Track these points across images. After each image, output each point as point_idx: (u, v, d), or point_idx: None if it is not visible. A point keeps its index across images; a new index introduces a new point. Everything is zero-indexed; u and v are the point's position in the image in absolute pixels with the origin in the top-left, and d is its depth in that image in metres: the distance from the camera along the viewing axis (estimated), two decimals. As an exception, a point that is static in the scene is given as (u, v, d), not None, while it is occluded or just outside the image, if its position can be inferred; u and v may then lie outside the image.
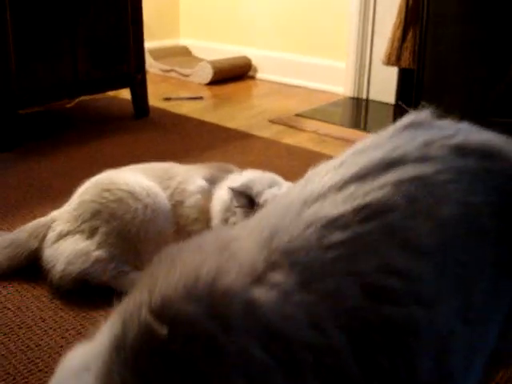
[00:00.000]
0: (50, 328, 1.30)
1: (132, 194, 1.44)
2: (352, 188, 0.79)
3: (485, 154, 0.86)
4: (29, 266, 1.48)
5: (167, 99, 3.26)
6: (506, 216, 0.81)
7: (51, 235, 1.47)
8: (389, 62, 2.97)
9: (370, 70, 3.26)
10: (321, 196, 0.80)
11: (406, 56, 2.91)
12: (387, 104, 3.22)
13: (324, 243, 0.73)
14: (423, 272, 0.73)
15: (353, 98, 3.34)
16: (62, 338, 1.27)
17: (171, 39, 4.23)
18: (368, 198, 0.77)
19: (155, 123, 2.80)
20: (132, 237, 1.42)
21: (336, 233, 0.74)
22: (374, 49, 3.21)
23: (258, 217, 0.85)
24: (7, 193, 1.98)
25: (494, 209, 0.80)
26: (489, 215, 0.80)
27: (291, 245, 0.73)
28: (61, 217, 1.50)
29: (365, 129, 2.86)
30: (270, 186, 1.45)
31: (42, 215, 1.79)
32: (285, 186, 1.47)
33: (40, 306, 1.38)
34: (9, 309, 1.36)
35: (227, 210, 1.43)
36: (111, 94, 3.24)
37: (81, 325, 1.31)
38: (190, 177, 1.54)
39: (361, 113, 3.23)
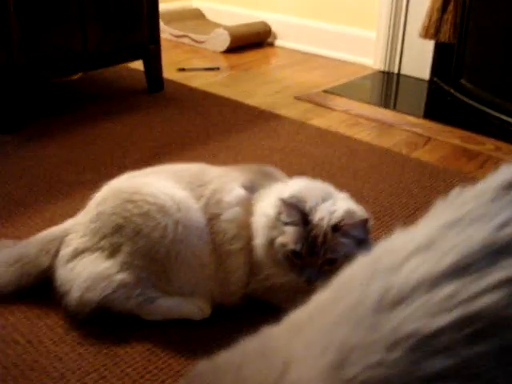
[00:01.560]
0: (68, 370, 1.10)
1: (160, 207, 1.22)
2: (451, 287, 0.57)
3: None
4: (39, 286, 1.28)
5: (181, 70, 3.00)
6: None
7: (65, 252, 1.26)
8: (426, 34, 2.71)
9: (403, 42, 2.99)
10: (405, 296, 0.58)
11: (446, 29, 2.64)
12: (421, 80, 2.96)
13: (420, 374, 0.52)
14: None
15: (383, 72, 3.08)
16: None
17: (183, 0, 3.93)
18: (476, 305, 0.55)
19: (170, 99, 2.55)
20: (161, 258, 1.20)
21: (436, 358, 0.53)
22: (408, 18, 2.93)
23: (315, 316, 0.64)
24: (10, 186, 1.76)
25: None
26: None
27: (369, 377, 0.52)
28: (76, 229, 1.29)
29: (396, 108, 2.62)
30: (324, 200, 1.23)
31: (52, 216, 1.59)
32: (339, 198, 1.25)
33: (55, 339, 1.18)
34: (18, 342, 1.16)
35: (273, 227, 1.21)
36: (119, 65, 2.98)
37: (103, 365, 1.11)
38: (226, 184, 1.31)
39: (393, 89, 2.98)
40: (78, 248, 1.25)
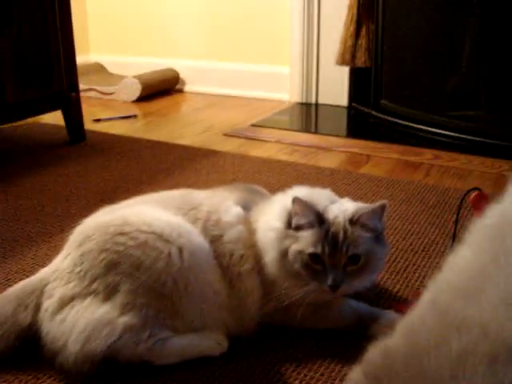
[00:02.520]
0: None
1: (159, 235, 1.08)
2: None
3: None
4: (22, 349, 1.08)
5: (97, 120, 2.85)
6: None
7: (49, 303, 1.08)
8: (343, 61, 2.78)
9: (318, 72, 3.04)
10: None
11: (361, 54, 2.73)
12: (339, 107, 3.02)
13: None
14: None
15: (301, 104, 3.11)
16: None
17: (81, 56, 3.78)
18: None
19: (97, 148, 2.39)
20: (168, 291, 1.06)
21: None
22: (320, 49, 3.00)
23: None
24: None
25: None
26: None
27: None
28: (57, 276, 1.11)
29: (325, 133, 2.62)
30: (332, 202, 1.16)
31: (7, 274, 1.39)
32: (345, 201, 1.18)
33: (56, 405, 0.98)
34: (12, 418, 0.96)
35: (283, 237, 1.11)
36: (29, 120, 2.77)
37: (125, 424, 0.94)
38: (220, 204, 1.20)
39: (316, 118, 3.01)
40: (65, 296, 1.07)
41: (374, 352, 0.61)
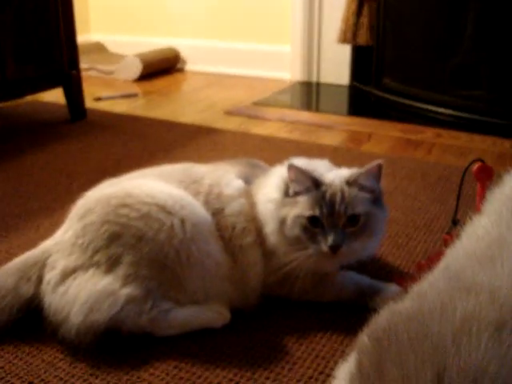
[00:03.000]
0: (88, 405, 0.92)
1: (162, 207, 1.08)
2: None
3: None
4: (23, 320, 1.08)
5: (98, 99, 2.84)
6: None
7: (51, 275, 1.08)
8: (344, 39, 2.76)
9: (320, 51, 3.02)
10: None
11: (363, 32, 2.71)
12: (341, 86, 3.00)
13: None
14: None
15: (303, 83, 3.09)
16: (113, 417, 0.90)
17: (81, 35, 3.75)
18: None
19: (98, 125, 2.39)
20: (171, 263, 1.06)
21: None
22: (322, 28, 2.98)
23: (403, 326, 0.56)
24: None
25: None
26: None
27: None
28: (59, 248, 1.11)
29: (326, 111, 2.61)
30: (329, 170, 1.16)
31: (9, 248, 1.39)
32: (342, 169, 1.18)
33: (60, 375, 0.99)
34: (17, 387, 0.96)
35: (281, 206, 1.11)
36: (29, 97, 2.77)
37: (128, 393, 0.95)
38: (222, 177, 1.20)
39: (317, 96, 2.99)
40: (67, 268, 1.07)
41: (381, 315, 0.61)
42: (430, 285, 0.63)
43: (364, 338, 0.59)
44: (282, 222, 1.11)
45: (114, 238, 1.06)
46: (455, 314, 0.55)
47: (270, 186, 1.17)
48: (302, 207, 1.09)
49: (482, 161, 1.15)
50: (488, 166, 1.14)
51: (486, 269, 0.60)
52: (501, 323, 0.53)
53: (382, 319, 0.60)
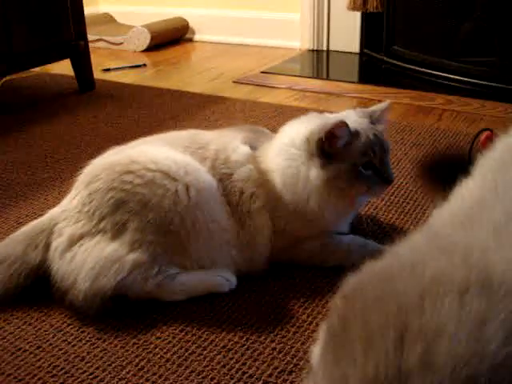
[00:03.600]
0: (97, 368, 0.93)
1: (166, 173, 1.08)
2: None
3: None
4: (32, 286, 1.10)
5: (106, 70, 2.83)
6: None
7: (59, 242, 1.09)
8: (354, 6, 2.72)
9: (329, 19, 2.98)
10: None
11: (373, -2, 2.66)
12: (351, 53, 2.96)
13: None
14: None
15: (313, 51, 3.06)
16: (121, 379, 0.91)
17: (90, 7, 3.73)
18: None
19: (106, 96, 2.38)
20: (176, 228, 1.06)
21: None
22: (331, -6, 2.92)
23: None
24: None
25: None
26: None
27: None
28: (65, 216, 1.12)
29: (335, 79, 2.58)
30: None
31: (18, 217, 1.40)
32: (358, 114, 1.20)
33: (69, 339, 1.00)
34: (26, 351, 0.98)
35: (320, 166, 1.10)
36: (37, 70, 2.76)
37: (137, 356, 0.96)
38: (228, 143, 1.19)
39: (327, 64, 2.96)
40: (74, 235, 1.08)
41: (355, 274, 0.61)
42: (408, 243, 0.62)
43: (337, 297, 0.58)
44: (329, 181, 1.10)
45: (119, 205, 1.07)
46: (424, 274, 0.54)
47: (286, 151, 1.15)
48: (353, 158, 1.11)
49: (490, 130, 1.13)
50: (496, 135, 1.13)
51: (466, 229, 0.60)
52: (466, 286, 0.52)
53: (353, 278, 0.60)
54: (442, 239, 0.59)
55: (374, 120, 1.18)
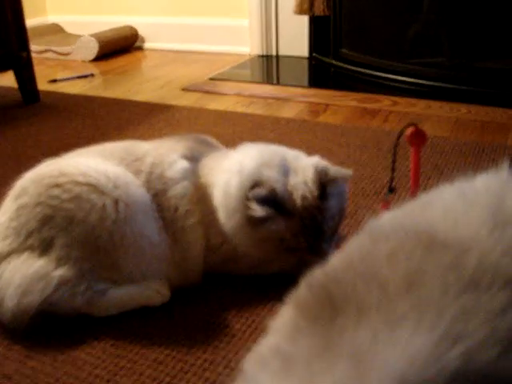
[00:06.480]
0: (22, 389, 0.91)
1: (94, 186, 1.06)
2: None
3: None
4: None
5: (53, 81, 2.78)
6: None
7: (-13, 260, 1.06)
8: (301, 10, 2.73)
9: (278, 24, 2.99)
10: None
11: (320, 2, 2.68)
12: (300, 58, 2.97)
13: None
14: None
15: (262, 56, 3.06)
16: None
17: (38, 17, 3.68)
18: None
19: (51, 107, 2.34)
20: (104, 244, 1.04)
21: None
22: (279, 0, 2.93)
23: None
24: None
25: None
26: None
27: None
28: (-6, 232, 1.09)
29: (284, 84, 2.59)
30: (286, 172, 1.10)
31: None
32: (298, 160, 1.15)
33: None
34: (-51, 374, 0.95)
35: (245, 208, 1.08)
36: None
37: (65, 373, 0.93)
38: (165, 156, 1.16)
39: (277, 69, 2.96)
40: (2, 253, 1.06)
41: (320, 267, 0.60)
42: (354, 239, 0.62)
43: (304, 289, 0.58)
44: (257, 240, 1.09)
45: (46, 221, 1.04)
46: (381, 249, 0.55)
47: (229, 173, 1.12)
48: (280, 233, 1.08)
49: (415, 125, 1.15)
50: (421, 130, 1.14)
51: (426, 209, 0.60)
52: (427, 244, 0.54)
53: (319, 269, 0.59)
54: (409, 222, 0.60)
55: (327, 182, 1.10)
